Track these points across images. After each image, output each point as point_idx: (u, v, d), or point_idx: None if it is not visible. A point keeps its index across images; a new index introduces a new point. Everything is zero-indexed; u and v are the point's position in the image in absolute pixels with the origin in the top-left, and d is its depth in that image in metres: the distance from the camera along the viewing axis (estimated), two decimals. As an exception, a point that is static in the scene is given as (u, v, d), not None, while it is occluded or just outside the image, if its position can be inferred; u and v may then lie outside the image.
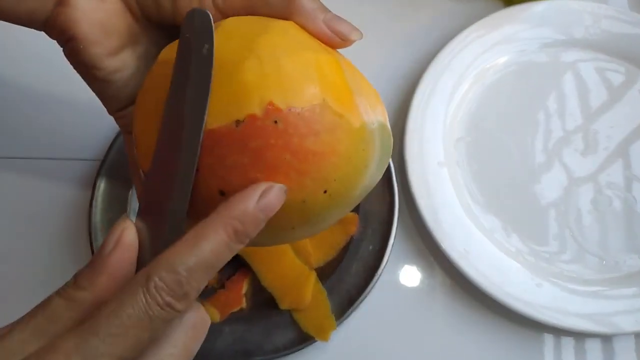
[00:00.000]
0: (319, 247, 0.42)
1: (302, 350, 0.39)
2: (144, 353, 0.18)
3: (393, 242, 0.41)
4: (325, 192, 0.21)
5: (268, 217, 0.19)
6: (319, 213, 0.22)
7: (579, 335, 0.41)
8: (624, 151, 0.46)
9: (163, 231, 0.19)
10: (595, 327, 0.39)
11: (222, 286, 0.41)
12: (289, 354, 0.38)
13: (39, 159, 0.46)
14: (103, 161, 0.42)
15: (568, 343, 0.41)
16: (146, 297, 0.17)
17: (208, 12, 0.20)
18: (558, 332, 0.41)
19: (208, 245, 0.18)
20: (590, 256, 0.43)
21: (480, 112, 0.47)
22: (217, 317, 0.39)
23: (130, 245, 0.19)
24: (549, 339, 0.41)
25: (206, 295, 0.41)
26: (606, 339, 0.41)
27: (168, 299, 0.17)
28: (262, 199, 0.19)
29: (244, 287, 0.41)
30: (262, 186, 0.19)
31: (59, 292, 0.19)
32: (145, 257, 0.20)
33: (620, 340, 0.41)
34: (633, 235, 0.43)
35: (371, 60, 0.50)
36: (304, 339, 0.39)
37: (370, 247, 0.41)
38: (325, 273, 0.41)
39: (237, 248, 0.19)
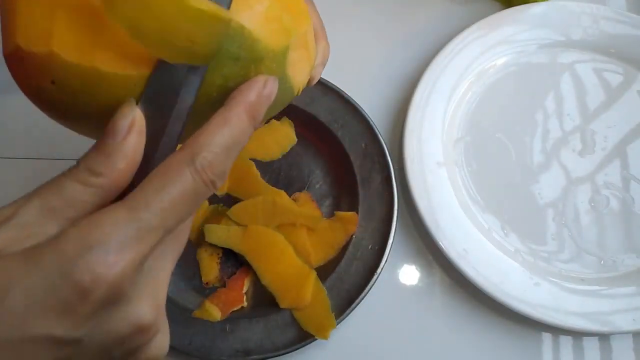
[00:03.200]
0: (319, 247, 0.42)
1: (303, 348, 0.39)
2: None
3: (392, 242, 0.41)
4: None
5: (271, 100, 0.21)
6: None
7: (577, 334, 0.41)
8: (622, 151, 0.46)
9: (165, 122, 0.20)
10: (593, 326, 0.39)
11: (224, 285, 0.41)
12: (289, 352, 0.39)
13: (39, 159, 0.46)
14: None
15: (566, 342, 0.41)
16: (194, 176, 0.18)
17: None
18: (556, 331, 0.41)
19: (235, 127, 0.20)
20: (588, 255, 0.43)
21: (479, 113, 0.47)
22: (218, 315, 0.40)
23: (142, 130, 0.19)
24: (547, 337, 0.42)
25: (207, 293, 0.41)
26: (604, 337, 0.42)
27: (212, 177, 0.19)
28: (266, 86, 0.21)
29: (245, 286, 0.41)
30: (262, 78, 0.21)
31: (72, 177, 0.18)
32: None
33: (618, 339, 0.42)
34: (630, 235, 0.43)
35: (371, 60, 0.50)
36: (304, 338, 0.39)
37: (370, 247, 0.41)
38: (325, 272, 0.41)
39: (255, 128, 0.21)
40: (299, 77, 0.25)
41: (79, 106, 0.21)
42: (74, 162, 0.20)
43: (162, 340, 0.21)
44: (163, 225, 0.18)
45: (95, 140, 0.20)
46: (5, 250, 0.17)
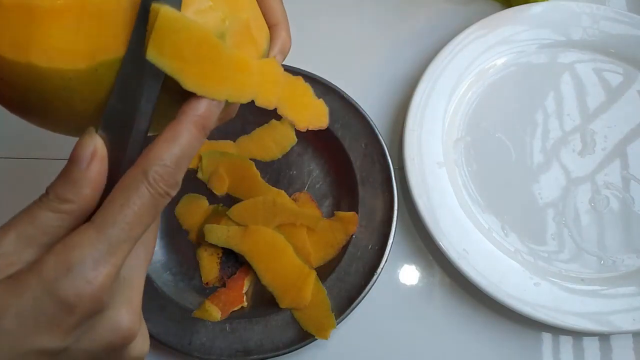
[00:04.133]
0: (319, 247, 0.42)
1: (303, 348, 0.39)
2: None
3: (392, 242, 0.41)
4: None
5: (221, 109, 0.22)
6: None
7: (577, 334, 0.41)
8: (622, 151, 0.46)
9: (124, 144, 0.21)
10: (593, 326, 0.39)
11: (223, 285, 0.41)
12: (289, 352, 0.39)
13: (39, 159, 0.46)
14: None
15: (566, 342, 0.41)
16: (149, 190, 0.20)
17: None
18: (556, 331, 0.41)
19: (184, 140, 0.21)
20: (588, 255, 0.43)
21: (479, 113, 0.47)
22: (218, 316, 0.40)
23: (104, 157, 0.21)
24: (547, 337, 0.42)
25: (207, 293, 0.41)
26: (604, 337, 0.42)
27: (166, 188, 0.21)
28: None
29: (245, 286, 0.41)
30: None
31: (44, 206, 0.20)
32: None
33: (618, 339, 0.42)
34: (631, 235, 0.43)
35: (371, 60, 0.50)
36: (304, 337, 0.39)
37: (370, 247, 0.41)
38: (325, 272, 0.41)
39: (204, 138, 0.22)
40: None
41: (33, 102, 0.22)
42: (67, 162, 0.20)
43: (142, 342, 0.23)
44: (130, 237, 0.20)
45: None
46: None
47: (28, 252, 0.19)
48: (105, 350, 0.21)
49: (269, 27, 0.29)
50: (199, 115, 0.21)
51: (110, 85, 0.21)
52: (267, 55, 0.27)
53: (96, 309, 0.19)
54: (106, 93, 0.21)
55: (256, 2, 0.27)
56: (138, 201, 0.20)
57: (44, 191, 0.20)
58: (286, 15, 0.30)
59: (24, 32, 0.20)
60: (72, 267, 0.19)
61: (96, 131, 0.21)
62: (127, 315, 0.21)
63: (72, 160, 0.20)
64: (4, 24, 0.21)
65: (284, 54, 0.29)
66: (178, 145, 0.21)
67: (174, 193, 0.21)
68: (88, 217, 0.20)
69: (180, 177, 0.21)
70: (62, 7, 0.21)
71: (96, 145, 0.21)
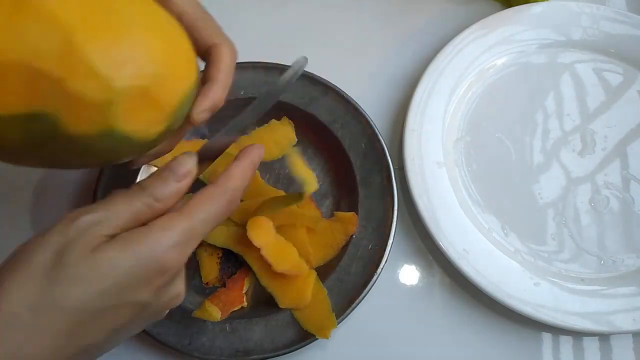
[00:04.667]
0: (319, 247, 0.42)
1: (303, 348, 0.39)
2: None
3: (392, 242, 0.41)
4: None
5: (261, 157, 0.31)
6: None
7: (577, 334, 0.41)
8: (622, 151, 0.46)
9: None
10: (593, 326, 0.39)
11: (224, 285, 0.41)
12: (289, 352, 0.39)
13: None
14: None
15: (566, 342, 0.41)
16: (225, 203, 0.27)
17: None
18: (556, 331, 0.41)
19: (245, 176, 0.29)
20: (588, 255, 0.43)
21: (479, 113, 0.47)
22: (218, 316, 0.40)
23: (194, 176, 0.27)
24: (547, 337, 0.42)
25: (207, 293, 0.41)
26: (604, 337, 0.42)
27: (234, 204, 0.28)
28: (260, 149, 0.31)
29: (245, 286, 0.41)
30: (256, 145, 0.31)
31: (142, 199, 0.25)
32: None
33: (618, 339, 0.42)
34: (631, 235, 0.43)
35: (371, 60, 0.50)
36: (305, 337, 0.39)
37: (370, 247, 0.41)
38: (325, 272, 0.41)
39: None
40: (134, 126, 0.24)
41: None
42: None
43: (182, 290, 0.28)
44: (203, 233, 0.26)
45: None
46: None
47: (114, 227, 0.25)
48: (167, 307, 0.28)
49: (207, 81, 0.28)
50: (254, 159, 0.30)
51: (12, 139, 0.23)
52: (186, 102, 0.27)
53: (177, 275, 0.26)
54: (8, 145, 0.24)
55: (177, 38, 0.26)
56: (216, 207, 0.27)
57: (139, 185, 0.26)
58: (230, 72, 0.29)
59: None
60: (171, 240, 0.25)
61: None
62: (182, 284, 0.28)
63: (173, 171, 0.26)
64: None
65: (213, 110, 0.29)
66: (243, 177, 0.29)
67: (236, 206, 0.28)
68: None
69: (240, 198, 0.29)
70: None
71: (193, 166, 0.27)
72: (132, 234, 0.24)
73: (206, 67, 0.29)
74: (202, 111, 0.28)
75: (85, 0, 0.23)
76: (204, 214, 0.26)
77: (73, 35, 0.22)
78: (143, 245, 0.24)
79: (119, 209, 0.25)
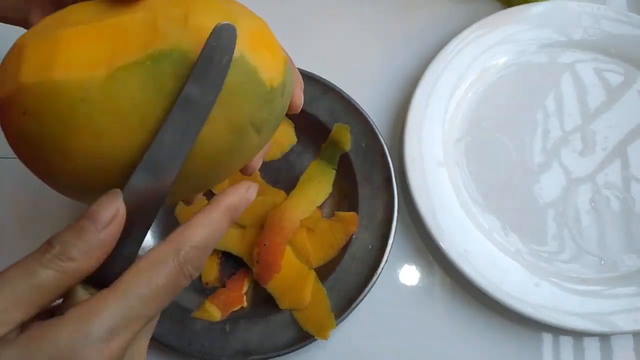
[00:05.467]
0: (319, 247, 0.42)
1: (303, 348, 0.39)
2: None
3: (392, 242, 0.41)
4: None
5: (250, 202, 0.24)
6: None
7: (578, 335, 0.41)
8: (622, 151, 0.46)
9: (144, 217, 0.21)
10: (594, 327, 0.39)
11: (223, 285, 0.41)
12: (289, 352, 0.39)
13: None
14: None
15: (567, 342, 0.41)
16: (177, 269, 0.20)
17: (235, 28, 0.22)
18: (557, 331, 0.41)
19: (217, 228, 0.21)
20: (589, 256, 0.43)
21: (480, 113, 0.47)
22: (218, 316, 0.40)
23: (123, 221, 0.20)
24: (547, 338, 0.41)
25: (207, 293, 0.41)
26: (604, 338, 0.42)
27: (192, 271, 0.20)
28: (248, 192, 0.24)
29: (245, 286, 0.41)
30: (246, 183, 0.24)
31: (46, 263, 0.19)
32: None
33: (618, 339, 0.41)
34: (631, 235, 0.43)
35: (371, 60, 0.50)
36: (304, 338, 0.39)
37: (370, 247, 0.41)
38: (325, 272, 0.41)
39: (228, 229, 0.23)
40: (260, 60, 0.24)
41: (57, 140, 0.22)
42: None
43: None
44: (148, 312, 0.19)
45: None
46: None
47: (19, 311, 0.18)
48: None
49: None
50: (231, 205, 0.22)
51: (129, 98, 0.21)
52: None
53: None
54: (128, 107, 0.21)
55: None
56: (164, 278, 0.20)
57: (46, 242, 0.19)
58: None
59: (48, 56, 0.21)
60: (88, 335, 0.18)
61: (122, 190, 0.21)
62: None
63: (90, 218, 0.19)
64: (31, 55, 0.21)
65: (302, 91, 0.30)
66: (211, 231, 0.21)
67: (196, 276, 0.21)
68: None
69: (205, 261, 0.21)
70: (82, 27, 0.22)
71: (119, 209, 0.20)
72: (35, 332, 0.18)
73: None
74: (300, 95, 0.29)
75: None
76: (145, 289, 0.19)
77: None
78: (44, 344, 0.18)
79: (15, 284, 0.18)
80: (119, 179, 0.22)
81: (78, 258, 0.19)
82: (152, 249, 0.20)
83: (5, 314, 0.18)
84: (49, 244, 0.19)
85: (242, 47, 0.23)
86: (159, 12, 0.22)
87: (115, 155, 0.22)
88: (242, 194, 0.23)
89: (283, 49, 0.27)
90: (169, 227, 0.43)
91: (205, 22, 0.22)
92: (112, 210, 0.20)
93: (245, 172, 0.29)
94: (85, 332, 0.18)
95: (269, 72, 0.24)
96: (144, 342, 0.21)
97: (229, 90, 0.22)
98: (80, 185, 0.23)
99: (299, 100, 0.29)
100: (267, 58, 0.24)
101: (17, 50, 0.22)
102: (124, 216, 0.20)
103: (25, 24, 0.29)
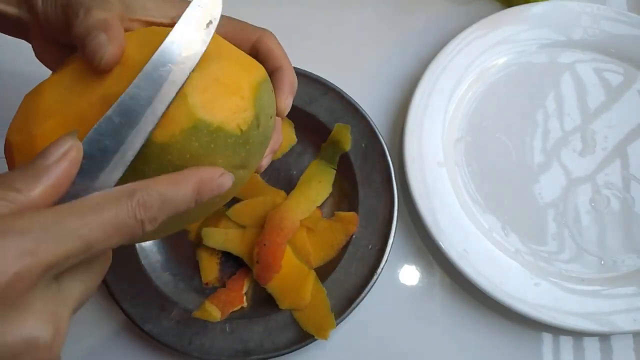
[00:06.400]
0: (319, 247, 0.42)
1: (303, 348, 0.39)
2: (94, 259, 0.20)
3: (392, 242, 0.41)
4: None
5: (220, 192, 0.23)
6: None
7: (578, 334, 0.41)
8: (622, 151, 0.46)
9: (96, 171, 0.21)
10: (594, 326, 0.39)
11: (223, 285, 0.41)
12: (289, 352, 0.39)
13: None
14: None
15: (566, 342, 0.41)
16: (128, 208, 0.19)
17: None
18: (557, 331, 0.41)
19: (180, 191, 0.21)
20: (589, 256, 0.43)
21: (480, 113, 0.47)
22: (218, 316, 0.40)
23: (76, 162, 0.20)
24: (547, 338, 0.41)
25: (207, 293, 0.41)
26: (604, 338, 0.42)
27: (143, 216, 0.20)
28: (221, 177, 0.23)
29: (245, 286, 0.41)
30: (221, 170, 0.24)
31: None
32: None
33: (618, 339, 0.41)
34: (631, 235, 0.43)
35: (371, 60, 0.50)
36: (304, 338, 0.39)
37: (370, 247, 0.41)
38: (325, 272, 0.41)
39: (192, 206, 0.22)
40: (218, 114, 0.24)
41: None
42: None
43: None
44: (88, 241, 0.18)
45: None
46: None
47: None
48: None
49: (273, 71, 0.30)
50: (201, 178, 0.22)
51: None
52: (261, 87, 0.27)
53: (8, 298, 0.16)
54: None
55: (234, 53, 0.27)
56: (113, 211, 0.19)
57: None
58: (287, 56, 0.31)
59: (31, 156, 0.21)
60: (6, 233, 0.16)
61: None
62: (47, 327, 0.17)
63: (39, 154, 0.19)
64: (18, 158, 0.24)
65: (293, 92, 0.30)
66: (173, 191, 0.21)
67: (148, 228, 0.20)
68: None
69: (159, 219, 0.21)
70: (53, 122, 0.24)
71: (72, 146, 0.19)
72: None
73: (264, 62, 0.30)
74: (285, 98, 0.29)
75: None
76: (92, 215, 0.18)
77: None
78: None
79: None
80: None
81: (22, 189, 0.18)
82: (111, 188, 0.20)
83: None
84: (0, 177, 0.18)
85: (200, 109, 0.23)
86: (121, 84, 0.23)
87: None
88: (215, 174, 0.23)
89: (255, 67, 0.27)
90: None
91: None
92: (65, 147, 0.19)
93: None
94: (3, 229, 0.16)
95: (235, 120, 0.24)
96: (77, 291, 0.20)
97: (200, 154, 0.23)
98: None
99: (283, 105, 0.29)
100: (230, 107, 0.24)
101: (7, 149, 0.25)
102: (80, 155, 0.20)
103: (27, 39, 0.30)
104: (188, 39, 0.24)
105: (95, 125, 0.21)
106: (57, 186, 0.19)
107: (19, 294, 0.16)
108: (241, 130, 0.24)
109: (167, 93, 0.23)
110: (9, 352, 0.16)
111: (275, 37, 0.31)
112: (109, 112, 0.22)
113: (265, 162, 0.30)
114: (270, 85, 0.28)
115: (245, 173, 0.27)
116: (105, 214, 0.18)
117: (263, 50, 0.30)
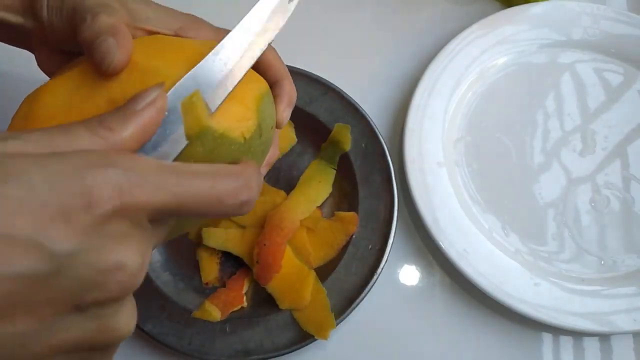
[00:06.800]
0: (319, 247, 0.42)
1: (303, 348, 0.39)
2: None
3: (392, 242, 0.41)
4: None
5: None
6: None
7: (578, 334, 0.41)
8: (622, 151, 0.46)
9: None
10: (594, 326, 0.39)
11: (223, 285, 0.41)
12: (289, 352, 0.39)
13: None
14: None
15: (567, 342, 0.41)
16: (235, 185, 0.21)
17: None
18: (557, 331, 0.41)
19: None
20: (589, 256, 0.43)
21: (480, 113, 0.47)
22: (218, 316, 0.40)
23: (162, 110, 0.21)
24: (547, 338, 0.41)
25: (207, 293, 0.41)
26: (604, 338, 0.42)
27: (246, 198, 0.21)
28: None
29: (245, 286, 0.41)
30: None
31: (83, 124, 0.19)
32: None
33: (618, 339, 0.41)
34: (631, 235, 0.43)
35: (371, 60, 0.50)
36: (304, 338, 0.39)
37: (370, 247, 0.41)
38: (325, 272, 0.41)
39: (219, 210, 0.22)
40: (223, 121, 0.24)
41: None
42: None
43: (131, 313, 0.19)
44: (180, 204, 0.19)
45: None
46: None
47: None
48: (96, 287, 0.17)
49: (273, 84, 0.30)
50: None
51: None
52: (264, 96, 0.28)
53: (117, 224, 0.17)
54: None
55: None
56: (217, 184, 0.20)
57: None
58: (287, 69, 0.31)
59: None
60: (113, 163, 0.17)
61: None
62: (139, 259, 0.18)
63: (131, 99, 0.20)
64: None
65: (292, 105, 0.31)
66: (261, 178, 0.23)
67: (244, 210, 0.22)
68: None
69: (253, 203, 0.22)
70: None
71: (159, 96, 0.20)
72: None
73: (264, 74, 0.30)
74: (283, 110, 0.30)
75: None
76: (192, 172, 0.19)
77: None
78: (66, 157, 0.16)
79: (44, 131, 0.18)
80: None
81: (114, 127, 0.19)
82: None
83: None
84: (96, 118, 0.19)
85: (207, 116, 0.23)
86: (127, 89, 0.23)
87: None
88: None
89: (258, 79, 0.27)
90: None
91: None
92: (152, 95, 0.20)
93: None
94: (111, 161, 0.17)
95: (239, 128, 0.25)
96: (157, 236, 0.21)
97: (203, 159, 0.23)
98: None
99: (282, 117, 0.30)
100: (235, 115, 0.25)
101: None
102: (165, 105, 0.21)
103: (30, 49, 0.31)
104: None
105: (173, 88, 0.22)
106: (144, 131, 0.20)
107: (115, 227, 0.17)
108: (244, 138, 0.25)
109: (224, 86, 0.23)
110: (101, 272, 0.17)
111: (275, 50, 0.31)
112: (183, 79, 0.22)
113: (263, 171, 0.31)
114: (272, 97, 0.29)
115: None
116: (205, 183, 0.19)
117: (264, 64, 0.30)
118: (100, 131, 0.19)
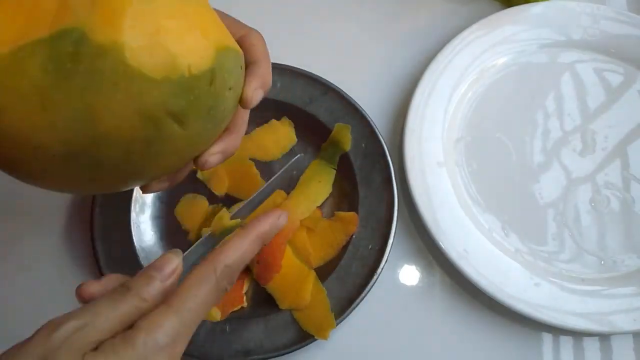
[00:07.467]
0: (319, 247, 0.42)
1: (303, 348, 0.39)
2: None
3: (392, 242, 0.41)
4: None
5: (279, 229, 0.30)
6: None
7: (578, 334, 0.41)
8: (622, 151, 0.46)
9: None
10: (594, 326, 0.39)
11: (223, 285, 0.41)
12: (289, 352, 0.39)
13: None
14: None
15: (566, 342, 0.41)
16: (215, 285, 0.26)
17: None
18: (556, 331, 0.41)
19: (247, 249, 0.28)
20: (589, 256, 0.43)
21: (480, 113, 0.47)
22: (218, 316, 0.40)
23: (180, 274, 0.27)
24: (547, 338, 0.41)
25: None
26: (604, 338, 0.42)
27: (227, 285, 0.26)
28: (280, 219, 0.30)
29: (245, 286, 0.41)
30: (278, 212, 0.30)
31: (126, 301, 0.24)
32: None
33: (618, 339, 0.41)
34: (631, 235, 0.43)
35: (371, 60, 0.50)
36: (304, 338, 0.39)
37: (370, 247, 0.41)
38: (325, 272, 0.41)
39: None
40: (181, 45, 0.22)
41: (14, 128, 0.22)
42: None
43: None
44: (197, 320, 0.25)
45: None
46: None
47: (103, 333, 0.23)
48: None
49: (250, 64, 0.29)
50: (263, 233, 0.28)
51: (29, 78, 0.21)
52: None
53: None
54: (28, 87, 0.21)
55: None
56: (206, 293, 0.25)
57: (121, 285, 0.25)
58: (267, 53, 0.31)
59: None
60: (158, 342, 0.23)
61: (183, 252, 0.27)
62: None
63: (158, 269, 0.26)
64: None
65: (265, 89, 0.30)
66: (243, 254, 0.27)
67: (229, 289, 0.27)
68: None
69: (236, 277, 0.27)
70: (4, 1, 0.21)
71: (178, 265, 0.26)
72: (118, 341, 0.23)
73: (245, 54, 0.29)
74: (254, 89, 0.28)
75: None
76: (193, 303, 0.25)
77: None
78: (126, 349, 0.22)
79: (105, 313, 0.23)
80: (33, 158, 0.22)
81: (149, 299, 0.24)
82: (194, 268, 0.26)
83: (93, 332, 0.22)
84: (125, 286, 0.25)
85: (163, 32, 0.22)
86: None
87: (22, 135, 0.22)
88: (273, 222, 0.29)
89: (231, 39, 0.26)
90: (170, 227, 0.43)
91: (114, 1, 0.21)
92: (173, 265, 0.26)
93: (197, 165, 0.29)
94: (155, 341, 0.23)
95: (189, 58, 0.23)
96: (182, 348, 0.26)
97: (135, 73, 0.21)
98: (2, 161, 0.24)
99: (249, 95, 0.28)
100: (191, 42, 0.23)
101: None
102: (181, 270, 0.26)
103: None
104: None
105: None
106: (167, 294, 0.25)
107: None
108: (190, 72, 0.23)
109: None
110: None
111: (262, 38, 0.31)
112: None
113: (213, 158, 0.29)
114: (242, 63, 0.27)
115: (179, 132, 0.24)
116: (203, 298, 0.25)
117: (246, 45, 0.30)
118: (141, 305, 0.24)
